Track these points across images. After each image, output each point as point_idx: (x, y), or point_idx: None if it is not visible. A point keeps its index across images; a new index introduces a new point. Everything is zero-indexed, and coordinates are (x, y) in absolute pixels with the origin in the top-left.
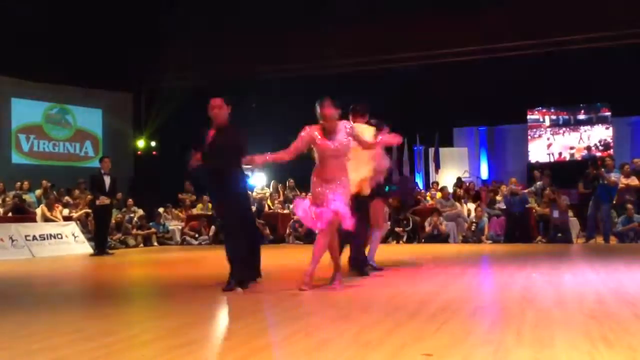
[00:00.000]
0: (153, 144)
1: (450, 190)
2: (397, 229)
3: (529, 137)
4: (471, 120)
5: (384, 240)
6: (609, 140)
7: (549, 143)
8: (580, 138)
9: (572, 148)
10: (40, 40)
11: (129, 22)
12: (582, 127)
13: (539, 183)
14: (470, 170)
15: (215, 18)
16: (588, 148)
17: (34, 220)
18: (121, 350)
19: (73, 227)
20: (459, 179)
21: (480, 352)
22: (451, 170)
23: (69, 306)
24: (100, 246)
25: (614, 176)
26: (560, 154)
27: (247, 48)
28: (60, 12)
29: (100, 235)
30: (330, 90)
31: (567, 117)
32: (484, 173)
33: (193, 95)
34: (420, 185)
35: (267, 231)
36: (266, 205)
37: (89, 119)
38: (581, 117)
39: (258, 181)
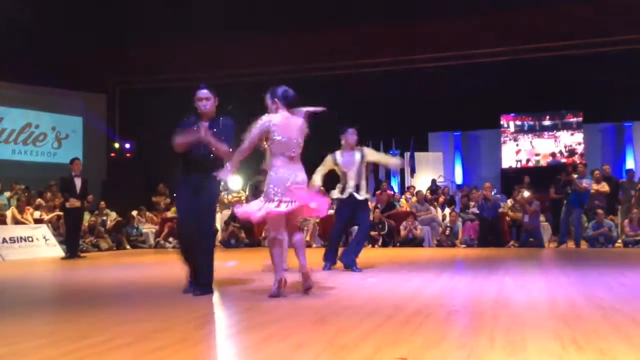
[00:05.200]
0: (127, 146)
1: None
2: (372, 233)
3: (502, 142)
4: (446, 125)
5: None
6: (575, 146)
7: (518, 149)
8: (546, 144)
9: (537, 154)
10: (13, 41)
11: (103, 23)
12: (546, 133)
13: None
14: (445, 175)
15: (188, 19)
16: (553, 154)
17: (4, 222)
18: (93, 355)
19: (44, 230)
20: (433, 181)
21: (454, 356)
22: (426, 174)
23: (39, 310)
24: (72, 249)
25: (585, 182)
26: (528, 160)
27: (221, 50)
28: (34, 12)
29: (72, 238)
30: (306, 94)
31: (532, 123)
32: (459, 178)
33: (167, 97)
34: (396, 189)
35: (243, 235)
36: None
37: (62, 120)
38: (546, 123)
39: (234, 184)
